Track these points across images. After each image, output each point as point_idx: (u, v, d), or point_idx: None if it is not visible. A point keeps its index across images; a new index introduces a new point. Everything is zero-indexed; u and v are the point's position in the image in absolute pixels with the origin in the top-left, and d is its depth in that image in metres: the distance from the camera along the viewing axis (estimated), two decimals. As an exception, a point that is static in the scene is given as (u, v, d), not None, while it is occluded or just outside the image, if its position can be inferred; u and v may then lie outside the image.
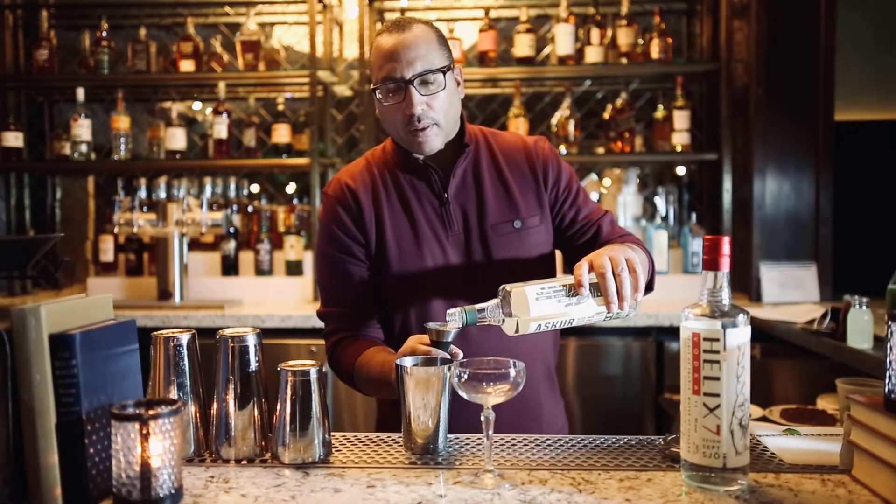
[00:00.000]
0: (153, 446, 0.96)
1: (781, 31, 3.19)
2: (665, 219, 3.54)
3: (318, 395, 1.19)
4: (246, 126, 3.48)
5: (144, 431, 0.96)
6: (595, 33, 3.32)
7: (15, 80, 3.64)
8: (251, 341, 1.23)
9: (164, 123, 3.45)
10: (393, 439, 1.31)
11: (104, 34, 3.44)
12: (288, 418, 1.18)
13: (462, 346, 1.35)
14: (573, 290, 1.25)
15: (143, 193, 3.48)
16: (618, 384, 2.92)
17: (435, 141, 1.49)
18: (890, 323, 1.02)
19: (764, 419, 1.86)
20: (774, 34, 3.19)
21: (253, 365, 1.22)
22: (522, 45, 3.32)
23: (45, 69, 3.45)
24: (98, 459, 1.02)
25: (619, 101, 3.41)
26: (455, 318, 1.24)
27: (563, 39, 3.30)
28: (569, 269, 1.34)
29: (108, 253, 3.47)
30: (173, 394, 1.22)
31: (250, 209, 3.60)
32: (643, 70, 3.41)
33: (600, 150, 3.44)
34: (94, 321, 1.08)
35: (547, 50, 3.55)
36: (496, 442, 1.29)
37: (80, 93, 3.35)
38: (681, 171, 3.68)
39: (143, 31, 3.49)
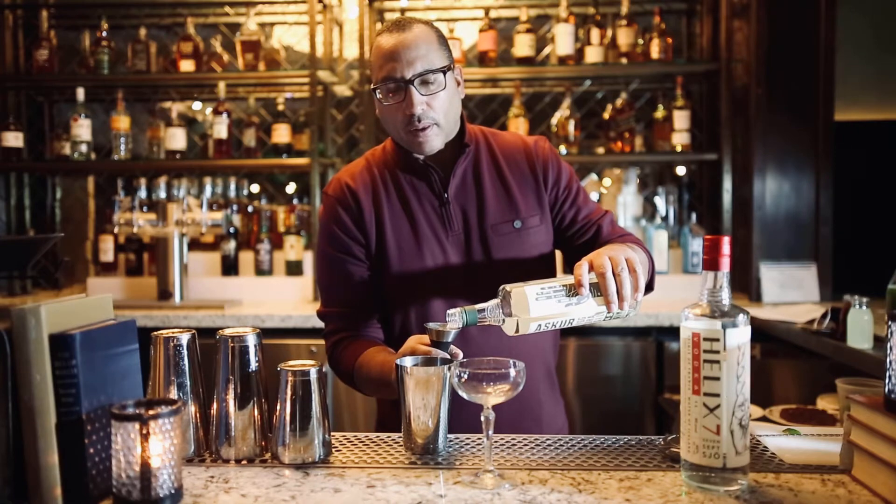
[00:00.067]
0: (153, 446, 0.96)
1: (781, 31, 3.19)
2: (665, 219, 3.54)
3: (318, 395, 1.19)
4: (246, 126, 3.48)
5: (144, 431, 0.96)
6: (595, 33, 3.32)
7: (15, 80, 3.64)
8: (251, 341, 1.23)
9: (164, 123, 3.45)
10: (393, 439, 1.31)
11: (104, 34, 3.44)
12: (288, 418, 1.18)
13: (462, 346, 1.35)
14: (573, 290, 1.25)
15: (143, 193, 3.48)
16: (618, 384, 2.92)
17: (435, 141, 1.49)
18: (890, 323, 1.02)
19: (764, 419, 1.86)
20: (774, 34, 3.19)
21: (253, 365, 1.22)
22: (522, 45, 3.32)
23: (45, 69, 3.45)
24: (98, 459, 1.02)
25: (619, 101, 3.41)
26: (455, 319, 1.24)
27: (563, 39, 3.30)
28: (569, 269, 1.34)
29: (108, 253, 3.47)
30: (173, 394, 1.22)
31: (250, 209, 3.60)
32: (643, 70, 3.41)
33: (600, 150, 3.44)
34: (94, 321, 1.08)
35: (547, 50, 3.55)
36: (496, 442, 1.29)
37: (80, 93, 3.35)
38: (681, 171, 3.68)
39: (143, 31, 3.49)
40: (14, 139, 3.45)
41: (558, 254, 1.64)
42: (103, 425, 1.03)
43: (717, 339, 1.03)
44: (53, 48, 3.48)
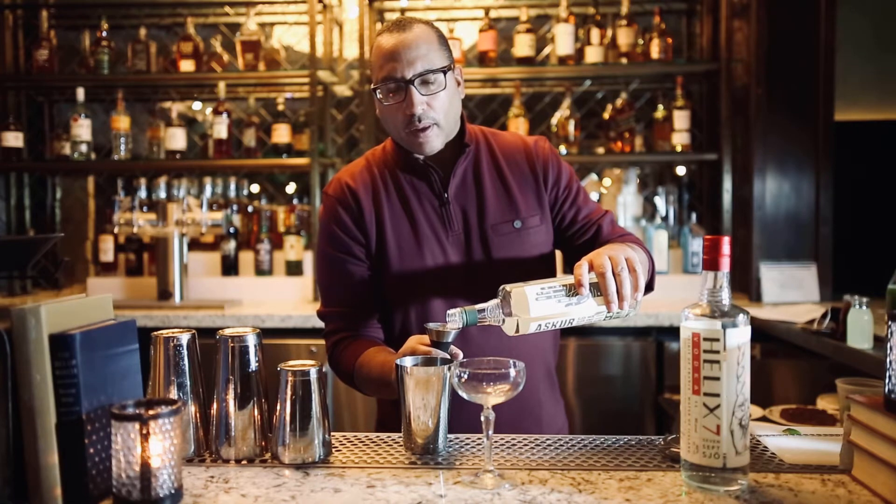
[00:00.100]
0: (153, 446, 0.96)
1: (781, 31, 3.19)
2: (665, 219, 3.54)
3: (318, 395, 1.19)
4: (246, 126, 3.48)
5: (144, 431, 0.96)
6: (595, 33, 3.32)
7: (15, 80, 3.64)
8: (251, 341, 1.23)
9: (164, 123, 3.45)
10: (393, 439, 1.31)
11: (104, 34, 3.44)
12: (288, 418, 1.18)
13: (462, 346, 1.35)
14: (573, 290, 1.25)
15: (143, 193, 3.48)
16: (618, 384, 2.92)
17: (435, 142, 1.49)
18: (890, 323, 1.02)
19: (764, 419, 1.86)
20: (774, 34, 3.19)
21: (253, 365, 1.22)
22: (522, 45, 3.32)
23: (45, 69, 3.45)
24: (98, 459, 1.02)
25: (619, 101, 3.41)
26: (455, 319, 1.24)
27: (563, 39, 3.30)
28: (569, 268, 1.34)
29: (108, 253, 3.47)
30: (173, 394, 1.22)
31: (250, 209, 3.60)
32: (643, 70, 3.41)
33: (600, 150, 3.44)
34: (94, 321, 1.08)
35: (547, 50, 3.55)
36: (496, 442, 1.29)
37: (80, 93, 3.35)
38: (681, 171, 3.68)
39: (143, 31, 3.49)
40: (14, 139, 3.45)
41: (558, 254, 1.64)
42: (103, 425, 1.03)
43: (717, 339, 1.03)
44: (53, 48, 3.48)
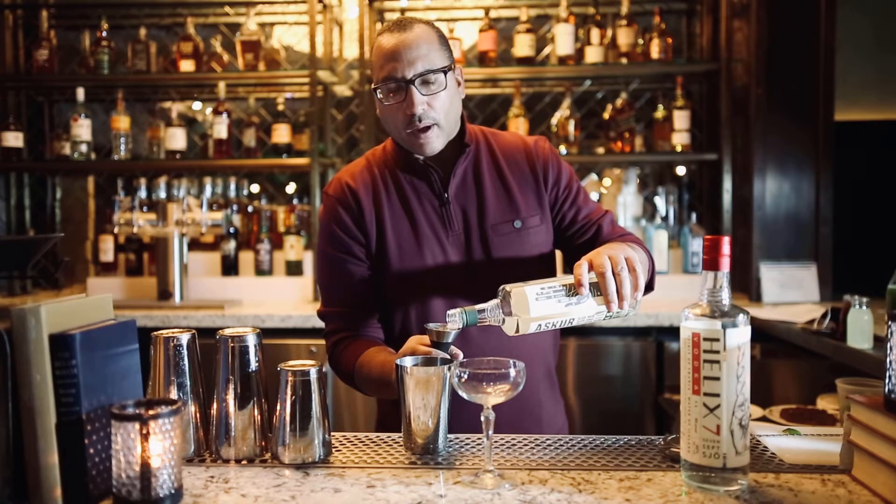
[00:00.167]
0: (153, 446, 0.96)
1: (781, 31, 3.19)
2: (665, 219, 3.54)
3: (318, 395, 1.19)
4: (246, 126, 3.48)
5: (144, 431, 0.96)
6: (595, 33, 3.32)
7: (15, 80, 3.64)
8: (251, 341, 1.23)
9: (164, 123, 3.45)
10: (393, 439, 1.32)
11: (104, 34, 3.44)
12: (288, 418, 1.18)
13: (462, 347, 1.35)
14: (573, 290, 1.25)
15: (143, 193, 3.48)
16: (618, 384, 2.92)
17: (436, 142, 1.49)
18: (890, 323, 1.02)
19: (764, 419, 1.86)
20: (774, 34, 3.19)
21: (253, 365, 1.22)
22: (522, 45, 3.32)
23: (45, 69, 3.45)
24: (98, 459, 1.02)
25: (619, 101, 3.41)
26: (455, 319, 1.24)
27: (563, 39, 3.30)
28: (569, 268, 1.34)
29: (108, 253, 3.47)
30: (173, 394, 1.22)
31: (250, 209, 3.60)
32: (643, 70, 3.41)
33: (600, 150, 3.44)
34: (94, 321, 1.08)
35: (547, 50, 3.55)
36: (496, 442, 1.29)
37: (80, 93, 3.35)
38: (681, 171, 3.68)
39: (143, 31, 3.49)
40: (14, 139, 3.45)
41: (558, 254, 1.64)
42: (103, 425, 1.03)
43: (717, 339, 1.03)
44: (53, 48, 3.48)
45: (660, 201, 3.59)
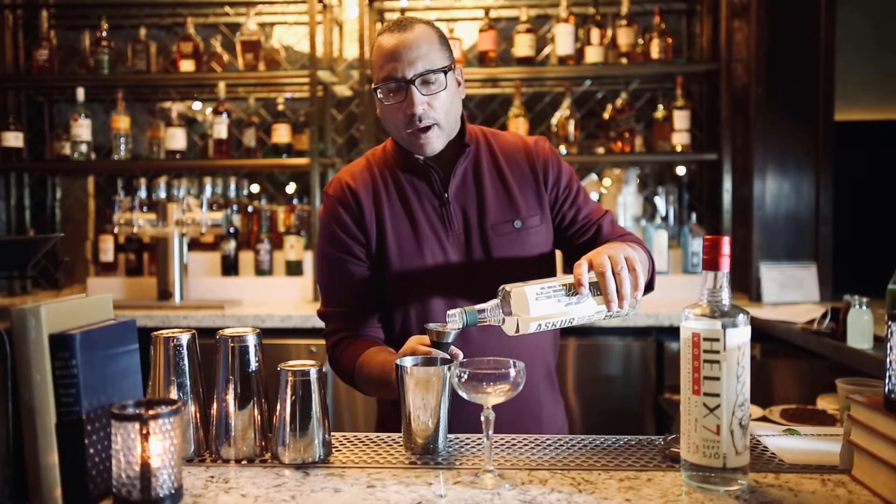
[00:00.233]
0: (153, 446, 0.96)
1: (781, 31, 3.19)
2: (665, 219, 3.54)
3: (318, 395, 1.19)
4: (246, 126, 3.48)
5: (144, 431, 0.96)
6: (595, 33, 3.32)
7: (15, 80, 3.64)
8: (251, 341, 1.23)
9: (164, 123, 3.45)
10: (393, 439, 1.32)
11: (104, 34, 3.44)
12: (288, 418, 1.18)
13: (462, 347, 1.35)
14: (573, 290, 1.25)
15: (143, 193, 3.48)
16: (618, 384, 2.92)
17: (436, 143, 1.49)
18: (890, 323, 1.02)
19: (764, 419, 1.86)
20: (774, 34, 3.19)
21: (253, 365, 1.22)
22: (522, 45, 3.32)
23: (45, 69, 3.45)
24: (98, 459, 1.02)
25: (619, 101, 3.41)
26: (455, 319, 1.24)
27: (563, 39, 3.30)
28: (569, 268, 1.34)
29: (108, 253, 3.47)
30: (173, 394, 1.22)
31: (250, 209, 3.60)
32: (643, 70, 3.41)
33: (600, 150, 3.44)
34: (94, 321, 1.08)
35: (547, 50, 3.55)
36: (496, 442, 1.29)
37: (80, 93, 3.35)
38: (681, 171, 3.68)
39: (143, 31, 3.49)
40: (14, 139, 3.45)
41: (558, 254, 1.64)
42: (103, 425, 1.03)
43: (717, 339, 1.03)
44: (53, 48, 3.48)
45: (660, 201, 3.59)
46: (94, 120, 3.46)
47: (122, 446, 0.96)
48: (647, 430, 2.89)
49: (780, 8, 3.19)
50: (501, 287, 1.25)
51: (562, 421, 1.64)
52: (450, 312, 1.24)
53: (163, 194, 3.50)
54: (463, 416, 1.33)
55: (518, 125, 3.35)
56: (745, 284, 3.27)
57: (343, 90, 3.65)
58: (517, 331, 1.24)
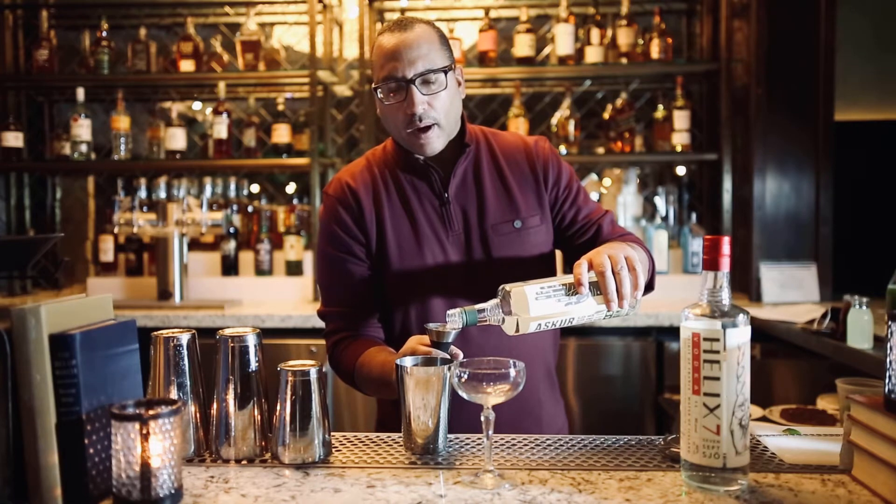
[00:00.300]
0: (153, 446, 0.96)
1: (781, 31, 3.19)
2: (665, 219, 3.54)
3: (318, 395, 1.19)
4: (246, 126, 3.48)
5: (144, 431, 0.96)
6: (595, 33, 3.32)
7: (15, 80, 3.64)
8: (251, 341, 1.23)
9: (164, 123, 3.45)
10: (393, 439, 1.32)
11: (104, 34, 3.44)
12: (288, 418, 1.18)
13: (462, 346, 1.35)
14: (573, 289, 1.25)
15: (143, 193, 3.48)
16: (618, 384, 2.92)
17: (436, 143, 1.49)
18: (890, 323, 1.02)
19: (764, 419, 1.86)
20: (774, 34, 3.19)
21: (253, 365, 1.22)
22: (522, 45, 3.32)
23: (45, 69, 3.45)
24: (98, 459, 1.02)
25: (619, 101, 3.41)
26: (455, 319, 1.24)
27: (563, 39, 3.30)
28: (569, 268, 1.34)
29: (108, 253, 3.47)
30: (173, 394, 1.22)
31: (250, 209, 3.60)
32: (643, 70, 3.41)
33: (600, 150, 3.44)
34: (94, 321, 1.08)
35: (547, 50, 3.55)
36: (496, 442, 1.29)
37: (80, 93, 3.35)
38: (681, 171, 3.68)
39: (143, 31, 3.49)
40: (14, 139, 3.45)
41: (558, 254, 1.64)
42: (103, 425, 1.03)
43: (717, 339, 1.03)
44: (53, 48, 3.48)
45: (660, 201, 3.59)
46: (94, 120, 3.46)
47: (122, 446, 0.96)
48: (647, 430, 2.89)
49: (780, 8, 3.19)
50: (501, 287, 1.25)
51: (562, 421, 1.64)
52: (450, 312, 1.24)
53: (163, 194, 3.50)
54: (463, 416, 1.33)
55: (518, 125, 3.35)
56: (745, 284, 3.27)
57: (343, 90, 3.65)
58: (517, 330, 1.24)
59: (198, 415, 1.24)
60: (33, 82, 3.62)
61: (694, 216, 3.52)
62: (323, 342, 1.63)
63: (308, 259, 3.36)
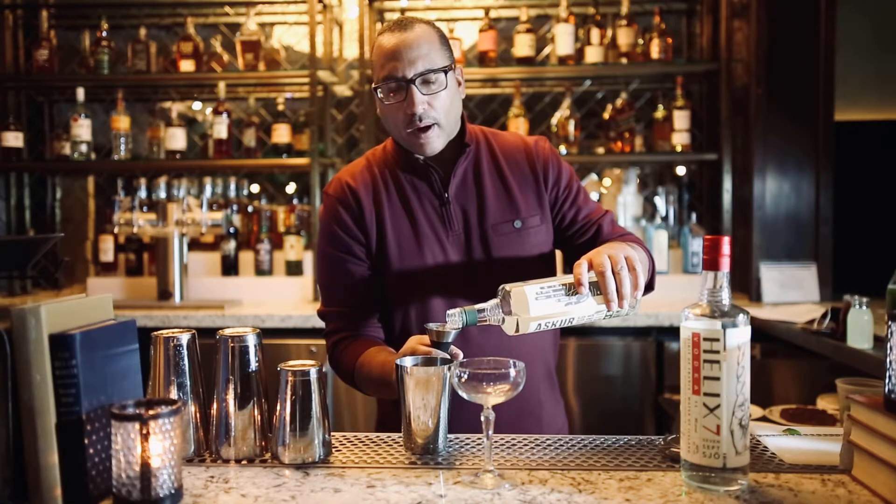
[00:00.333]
0: (153, 446, 0.96)
1: (781, 31, 3.19)
2: (665, 219, 3.54)
3: (318, 395, 1.19)
4: (246, 126, 3.48)
5: (144, 431, 0.96)
6: (595, 33, 3.32)
7: (15, 80, 3.64)
8: (251, 341, 1.23)
9: (164, 123, 3.45)
10: (393, 439, 1.31)
11: (104, 34, 3.44)
12: (288, 418, 1.18)
13: (462, 346, 1.35)
14: (573, 289, 1.25)
15: (143, 193, 3.48)
16: (618, 384, 2.92)
17: (436, 142, 1.49)
18: (890, 323, 1.02)
19: (764, 419, 1.86)
20: (774, 34, 3.19)
21: (253, 365, 1.22)
22: (522, 45, 3.32)
23: (45, 69, 3.45)
24: (98, 459, 1.02)
25: (619, 101, 3.41)
26: (455, 319, 1.24)
27: (563, 39, 3.30)
28: (569, 268, 1.34)
29: (108, 253, 3.47)
30: (173, 394, 1.22)
31: (250, 209, 3.60)
32: (643, 70, 3.41)
33: (600, 150, 3.44)
34: (94, 321, 1.08)
35: (547, 50, 3.55)
36: (496, 442, 1.29)
37: (80, 93, 3.35)
38: (681, 171, 3.68)
39: (143, 31, 3.49)
40: (14, 139, 3.45)
41: (558, 254, 1.64)
42: (103, 425, 1.03)
43: (717, 339, 1.03)
44: (53, 48, 3.48)
45: (660, 201, 3.59)
46: (94, 120, 3.46)
47: (122, 446, 0.96)
48: (647, 430, 2.89)
49: (780, 8, 3.19)
50: (501, 287, 1.25)
51: (562, 421, 1.64)
52: (450, 312, 1.24)
53: (163, 194, 3.50)
54: (463, 416, 1.33)
55: (518, 125, 3.35)
56: (745, 284, 3.27)
57: (343, 90, 3.65)
58: (517, 330, 1.24)
59: (198, 415, 1.24)
60: (33, 82, 3.62)
61: (694, 216, 3.52)
62: (323, 342, 1.63)
63: (308, 259, 3.36)
